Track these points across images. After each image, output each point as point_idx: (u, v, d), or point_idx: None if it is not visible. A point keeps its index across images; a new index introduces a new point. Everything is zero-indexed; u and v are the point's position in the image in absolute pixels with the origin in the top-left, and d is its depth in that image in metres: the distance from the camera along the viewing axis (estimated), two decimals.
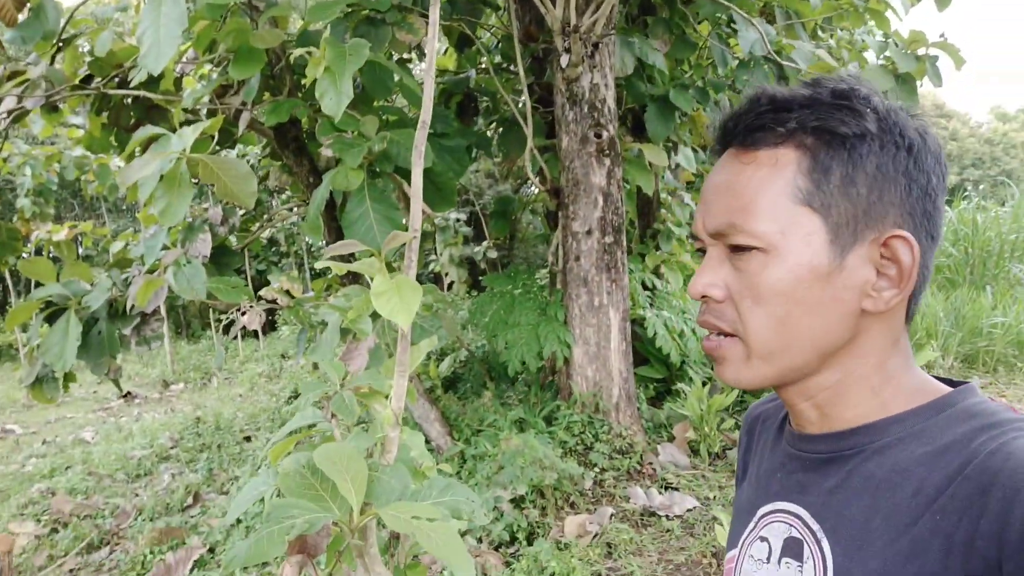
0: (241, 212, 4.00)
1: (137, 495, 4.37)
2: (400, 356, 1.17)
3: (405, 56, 4.27)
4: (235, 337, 10.90)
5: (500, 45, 4.53)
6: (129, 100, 3.62)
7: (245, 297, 2.88)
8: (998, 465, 0.49)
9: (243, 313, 2.82)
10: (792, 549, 0.60)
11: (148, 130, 2.86)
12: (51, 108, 3.56)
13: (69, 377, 3.68)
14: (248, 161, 7.11)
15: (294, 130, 3.55)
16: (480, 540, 3.11)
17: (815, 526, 0.59)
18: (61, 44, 3.25)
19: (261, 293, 2.85)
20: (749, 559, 0.66)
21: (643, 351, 4.25)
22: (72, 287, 3.38)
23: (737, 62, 3.61)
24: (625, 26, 4.05)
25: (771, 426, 0.73)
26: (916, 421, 0.58)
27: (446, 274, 8.69)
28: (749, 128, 0.58)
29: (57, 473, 4.93)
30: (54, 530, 3.85)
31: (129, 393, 9.18)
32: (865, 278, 0.57)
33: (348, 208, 2.91)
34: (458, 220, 8.66)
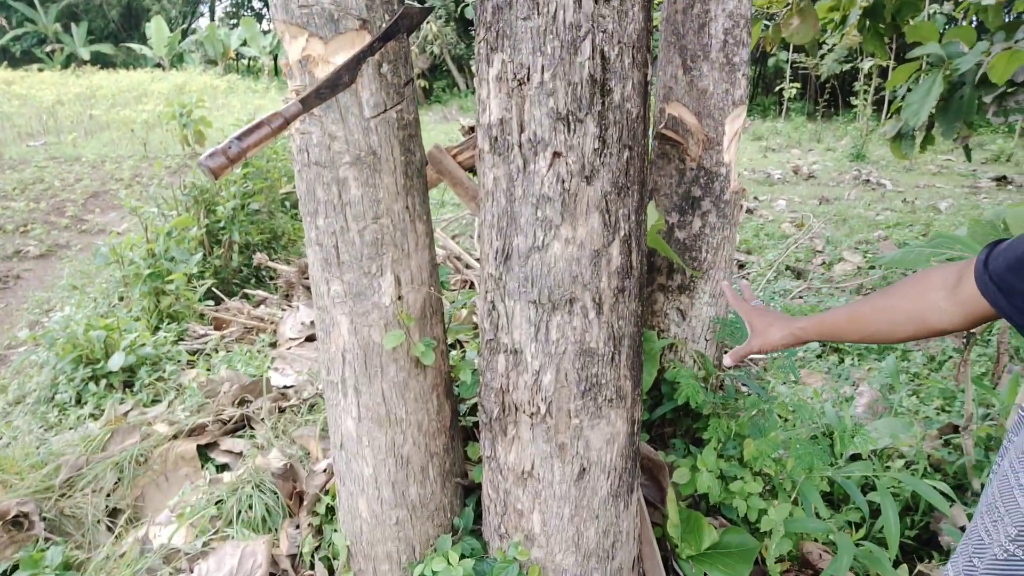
0: None
1: None
2: None
3: None
4: None
5: None
6: None
7: None
8: None
9: None
10: None
11: None
12: None
13: (928, 139, 3.97)
14: None
15: None
16: None
17: None
18: None
19: None
20: None
21: None
22: (949, 48, 3.49)
23: None
24: None
25: None
26: None
27: None
28: None
29: (901, 227, 5.53)
30: None
31: (1004, 177, 8.71)
32: None
33: None
34: None
